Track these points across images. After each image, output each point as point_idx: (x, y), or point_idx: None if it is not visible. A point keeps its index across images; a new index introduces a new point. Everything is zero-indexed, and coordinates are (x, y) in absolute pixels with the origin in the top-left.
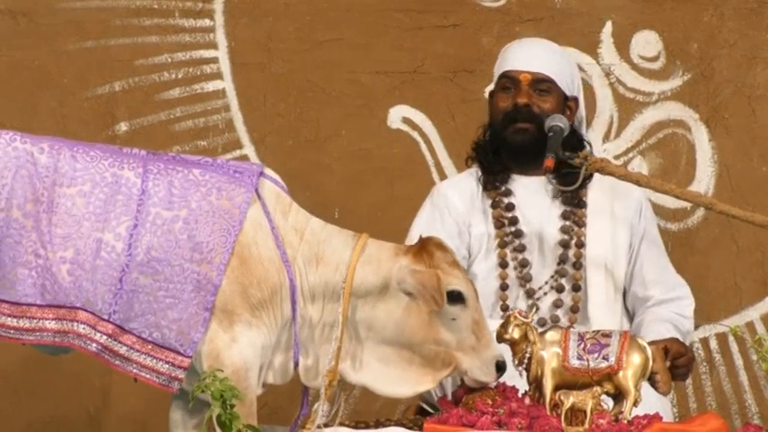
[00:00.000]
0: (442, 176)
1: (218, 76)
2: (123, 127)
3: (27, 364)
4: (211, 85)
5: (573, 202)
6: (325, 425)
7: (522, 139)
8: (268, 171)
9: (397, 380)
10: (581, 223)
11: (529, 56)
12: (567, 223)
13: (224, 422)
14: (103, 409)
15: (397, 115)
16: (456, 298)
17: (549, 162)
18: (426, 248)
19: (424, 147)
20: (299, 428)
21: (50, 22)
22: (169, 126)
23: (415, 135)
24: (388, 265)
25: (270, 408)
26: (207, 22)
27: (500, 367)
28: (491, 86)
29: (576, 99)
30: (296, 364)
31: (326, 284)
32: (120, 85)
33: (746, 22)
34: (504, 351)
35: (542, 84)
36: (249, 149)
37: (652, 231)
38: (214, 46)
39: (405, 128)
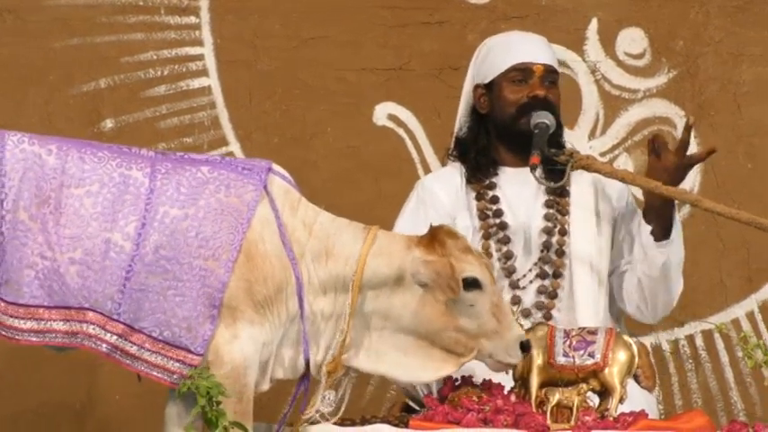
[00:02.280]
0: (428, 173)
1: (203, 73)
2: (109, 124)
3: (12, 360)
4: (197, 83)
5: (556, 191)
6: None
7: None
8: (276, 167)
9: (418, 366)
10: (564, 212)
11: (536, 48)
12: (551, 211)
13: (210, 419)
14: (89, 406)
15: (383, 112)
16: (471, 284)
17: (535, 159)
18: (437, 237)
19: (409, 144)
20: (285, 426)
21: (37, 19)
22: (155, 123)
23: (401, 132)
24: (400, 256)
25: (257, 404)
26: (193, 20)
27: (524, 347)
28: (482, 79)
29: None
30: (306, 361)
31: (337, 277)
32: (105, 83)
33: (732, 20)
34: None
35: (551, 75)
36: (235, 146)
37: (636, 221)
38: (200, 43)
39: (391, 125)
